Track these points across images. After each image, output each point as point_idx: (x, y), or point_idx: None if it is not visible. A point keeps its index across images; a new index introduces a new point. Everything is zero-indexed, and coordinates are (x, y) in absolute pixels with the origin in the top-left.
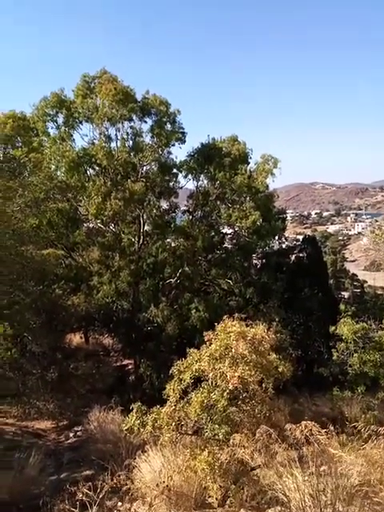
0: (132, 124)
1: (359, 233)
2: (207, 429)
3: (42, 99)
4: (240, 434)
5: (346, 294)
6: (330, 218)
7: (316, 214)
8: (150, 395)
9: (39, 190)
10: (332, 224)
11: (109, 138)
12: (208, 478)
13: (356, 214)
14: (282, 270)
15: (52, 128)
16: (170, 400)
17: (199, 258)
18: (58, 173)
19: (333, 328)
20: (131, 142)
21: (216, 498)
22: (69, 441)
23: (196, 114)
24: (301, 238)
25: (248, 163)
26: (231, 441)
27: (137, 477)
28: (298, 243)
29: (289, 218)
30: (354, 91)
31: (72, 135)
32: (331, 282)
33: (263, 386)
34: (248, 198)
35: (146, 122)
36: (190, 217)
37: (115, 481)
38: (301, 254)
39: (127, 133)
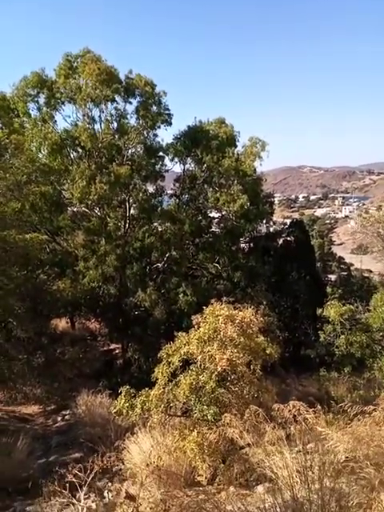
0: (116, 105)
1: (346, 216)
2: (196, 410)
3: (22, 79)
4: (229, 414)
5: (333, 277)
6: (317, 201)
7: (303, 197)
8: (138, 379)
9: (21, 173)
10: (319, 207)
11: (92, 120)
12: (197, 457)
13: (343, 198)
14: (269, 253)
15: (33, 110)
16: (159, 383)
17: (187, 242)
18: (40, 155)
19: (320, 310)
20: (116, 124)
21: (205, 477)
22: (57, 425)
23: (180, 98)
24: (288, 221)
25: (235, 146)
26: (222, 420)
27: (126, 458)
28: (285, 227)
29: (276, 201)
30: (342, 76)
31: (54, 116)
32: (318, 265)
33: (251, 367)
34: (235, 182)
35: (130, 103)
36: (177, 201)
37: (105, 462)
38: (288, 238)
39: (111, 114)
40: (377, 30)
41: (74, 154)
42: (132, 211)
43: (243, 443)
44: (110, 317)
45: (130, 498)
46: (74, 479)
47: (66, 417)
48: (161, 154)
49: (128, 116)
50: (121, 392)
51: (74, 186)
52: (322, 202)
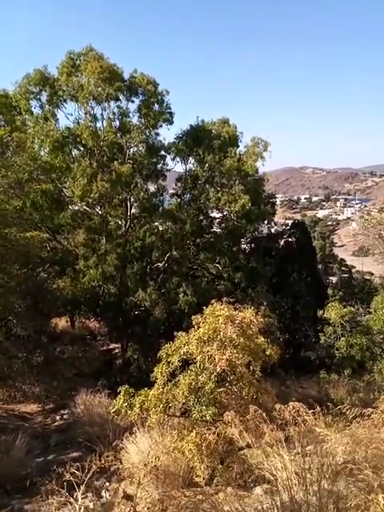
0: (119, 103)
1: (348, 218)
2: (195, 410)
3: (24, 76)
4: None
5: (334, 279)
6: (319, 202)
7: (306, 198)
8: (137, 379)
9: (23, 171)
10: (321, 209)
11: (94, 118)
12: (195, 458)
13: (345, 199)
14: (270, 254)
15: (35, 107)
16: (158, 382)
17: (187, 241)
18: (42, 153)
19: (320, 312)
20: (118, 123)
21: (203, 478)
22: (55, 423)
23: (184, 98)
24: (290, 222)
25: (238, 146)
26: (221, 420)
27: (124, 458)
28: (287, 228)
29: (278, 202)
30: (345, 77)
31: (56, 114)
32: (320, 266)
33: (251, 368)
34: (237, 182)
35: (133, 101)
36: (179, 200)
37: (103, 461)
38: (290, 239)
39: (114, 113)
40: (381, 33)
41: (76, 151)
42: (133, 210)
43: (242, 444)
44: (109, 316)
45: (128, 497)
46: (71, 478)
47: (65, 416)
48: (163, 153)
49: (130, 114)
50: (120, 391)
51: (75, 184)
52: (324, 203)
